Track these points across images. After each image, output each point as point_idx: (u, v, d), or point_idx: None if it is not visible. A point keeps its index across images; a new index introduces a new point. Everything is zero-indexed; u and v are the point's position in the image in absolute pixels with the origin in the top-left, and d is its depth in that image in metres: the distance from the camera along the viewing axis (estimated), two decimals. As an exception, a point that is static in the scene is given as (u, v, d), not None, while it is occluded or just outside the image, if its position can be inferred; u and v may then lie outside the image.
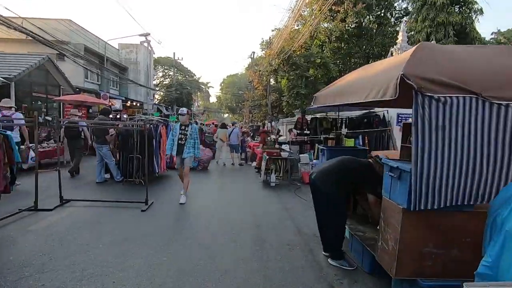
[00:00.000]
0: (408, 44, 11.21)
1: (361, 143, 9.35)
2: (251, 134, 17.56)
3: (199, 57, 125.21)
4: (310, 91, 13.81)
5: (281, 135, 20.08)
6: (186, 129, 5.92)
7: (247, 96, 26.26)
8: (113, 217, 4.91)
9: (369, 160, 3.65)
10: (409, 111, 2.58)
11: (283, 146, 8.68)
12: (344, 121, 12.05)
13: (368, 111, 10.99)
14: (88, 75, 23.67)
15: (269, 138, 9.94)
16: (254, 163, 11.05)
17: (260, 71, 19.37)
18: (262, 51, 29.66)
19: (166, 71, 43.95)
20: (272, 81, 21.33)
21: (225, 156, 13.03)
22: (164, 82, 42.59)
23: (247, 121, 35.55)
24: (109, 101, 20.69)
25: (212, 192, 7.12)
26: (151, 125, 7.19)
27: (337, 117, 11.52)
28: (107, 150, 7.15)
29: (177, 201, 5.98)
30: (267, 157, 7.91)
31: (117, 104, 21.20)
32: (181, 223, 4.81)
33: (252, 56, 30.38)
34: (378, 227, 3.05)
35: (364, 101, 3.05)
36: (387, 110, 9.55)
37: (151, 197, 5.87)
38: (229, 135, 12.48)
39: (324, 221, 3.55)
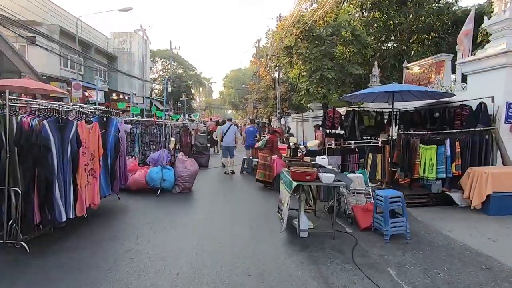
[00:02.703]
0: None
1: (449, 153, 5.28)
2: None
3: (202, 53, 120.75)
4: (339, 75, 9.76)
5: (292, 134, 16.06)
6: None
7: (252, 88, 22.16)
8: None
9: None
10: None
11: (319, 160, 4.67)
12: (394, 116, 8.01)
13: (436, 100, 6.96)
14: (68, 64, 19.77)
15: (290, 145, 5.84)
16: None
17: (267, 55, 15.35)
18: (268, 40, 25.57)
19: (165, 64, 39.88)
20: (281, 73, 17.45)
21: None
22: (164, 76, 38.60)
23: (251, 117, 31.55)
24: (86, 92, 16.77)
25: (181, 275, 3.12)
26: (43, 121, 3.16)
27: (391, 110, 7.48)
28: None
29: None
30: (295, 183, 3.91)
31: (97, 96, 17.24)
32: None
33: (257, 45, 26.23)
34: None
35: None
36: (492, 98, 5.47)
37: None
38: (224, 134, 8.71)
39: None
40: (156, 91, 37.24)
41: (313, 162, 4.51)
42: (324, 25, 10.24)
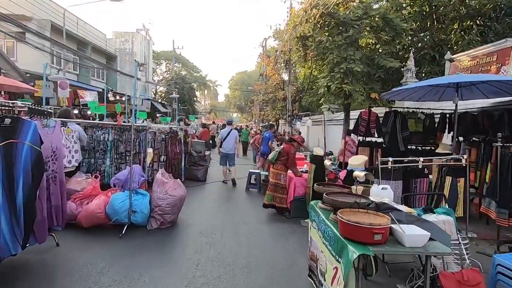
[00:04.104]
0: None
1: None
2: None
3: (206, 56, 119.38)
4: (367, 69, 7.76)
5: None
6: None
7: (258, 88, 20.19)
8: None
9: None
10: None
11: (377, 191, 2.68)
12: (450, 119, 5.99)
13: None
14: (62, 62, 18.07)
15: (326, 165, 3.75)
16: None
17: (276, 51, 13.44)
18: (274, 40, 23.67)
19: (169, 66, 38.23)
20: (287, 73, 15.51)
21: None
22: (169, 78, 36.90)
23: (256, 120, 29.59)
24: (76, 92, 14.99)
25: None
26: None
27: (451, 111, 5.48)
28: None
29: None
30: (353, 250, 1.91)
31: (89, 97, 15.47)
32: None
33: (263, 45, 24.33)
34: None
35: None
36: None
37: None
38: (223, 140, 6.94)
39: None
40: (160, 93, 35.59)
41: (373, 200, 2.51)
42: (346, 11, 8.26)
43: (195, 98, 34.12)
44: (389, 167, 3.32)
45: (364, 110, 6.08)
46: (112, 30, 29.81)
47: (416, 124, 5.98)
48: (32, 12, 15.58)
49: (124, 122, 7.81)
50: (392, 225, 2.12)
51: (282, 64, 16.80)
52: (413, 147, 5.95)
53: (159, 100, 29.29)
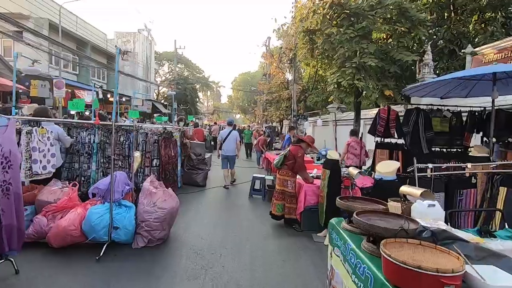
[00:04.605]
0: None
1: None
2: (268, 141, 10.92)
3: (209, 58, 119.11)
4: (382, 64, 7.05)
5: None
6: None
7: (261, 88, 19.51)
8: None
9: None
10: None
11: (422, 207, 2.00)
12: (480, 117, 5.28)
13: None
14: (60, 62, 17.57)
15: (351, 173, 3.02)
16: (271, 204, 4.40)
17: (281, 48, 12.74)
18: (278, 39, 23.03)
19: (171, 66, 37.76)
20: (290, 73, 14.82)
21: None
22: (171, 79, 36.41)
23: (260, 121, 28.92)
24: (74, 93, 14.44)
25: None
26: None
27: (481, 109, 4.80)
28: None
29: None
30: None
31: (87, 97, 14.92)
32: None
33: (267, 44, 23.69)
34: None
35: None
36: None
37: None
38: (223, 141, 6.71)
39: None
40: (163, 93, 35.06)
41: (426, 226, 1.82)
42: (358, 0, 7.57)
43: (197, 99, 33.58)
44: (429, 176, 2.63)
45: (382, 108, 5.38)
46: (114, 31, 29.34)
47: (441, 124, 5.25)
48: (29, 11, 15.10)
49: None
50: (467, 269, 1.43)
51: (286, 64, 16.16)
52: (438, 149, 5.24)
53: (162, 101, 28.79)
